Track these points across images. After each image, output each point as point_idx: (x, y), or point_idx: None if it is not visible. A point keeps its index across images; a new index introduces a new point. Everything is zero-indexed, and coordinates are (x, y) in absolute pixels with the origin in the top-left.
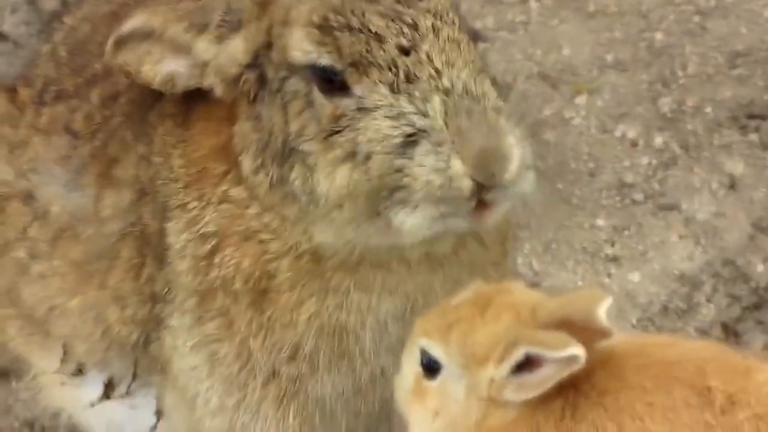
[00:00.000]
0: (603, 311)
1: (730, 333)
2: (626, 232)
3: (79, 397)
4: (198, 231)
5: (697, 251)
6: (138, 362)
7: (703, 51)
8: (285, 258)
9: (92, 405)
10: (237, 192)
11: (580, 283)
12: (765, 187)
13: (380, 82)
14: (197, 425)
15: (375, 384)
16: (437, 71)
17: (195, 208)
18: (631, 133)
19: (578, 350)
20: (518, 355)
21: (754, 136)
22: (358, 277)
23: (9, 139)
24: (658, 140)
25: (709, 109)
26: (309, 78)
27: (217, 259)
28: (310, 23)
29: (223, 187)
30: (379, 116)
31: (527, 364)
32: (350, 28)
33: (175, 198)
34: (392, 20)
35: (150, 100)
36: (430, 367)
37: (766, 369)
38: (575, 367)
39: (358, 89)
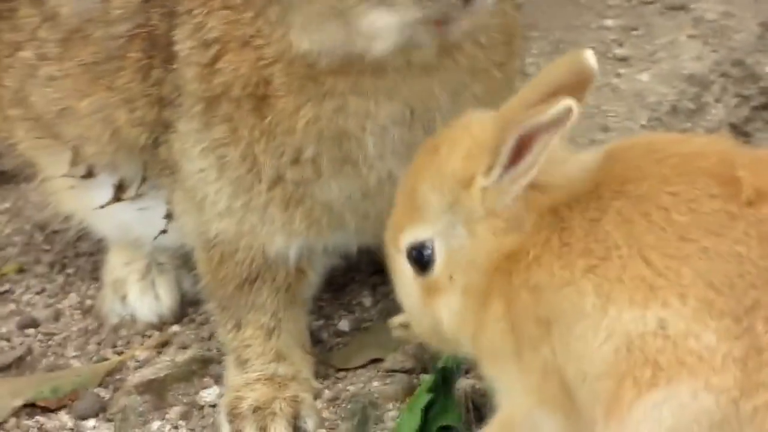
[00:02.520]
0: (590, 56)
1: (739, 133)
2: (635, 33)
3: (89, 199)
4: (202, 37)
5: (706, 51)
6: (147, 165)
7: None
8: (278, 63)
9: (102, 207)
10: None
11: None
12: None
13: None
14: (206, 227)
15: (383, 187)
16: None
17: (200, 14)
18: None
19: (569, 101)
20: (511, 142)
21: None
22: (351, 81)
23: None
24: None
25: None
26: None
27: (219, 66)
28: None
29: None
30: None
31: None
32: None
33: (182, 4)
34: None
35: None
36: (424, 260)
37: None
38: (571, 122)
39: None
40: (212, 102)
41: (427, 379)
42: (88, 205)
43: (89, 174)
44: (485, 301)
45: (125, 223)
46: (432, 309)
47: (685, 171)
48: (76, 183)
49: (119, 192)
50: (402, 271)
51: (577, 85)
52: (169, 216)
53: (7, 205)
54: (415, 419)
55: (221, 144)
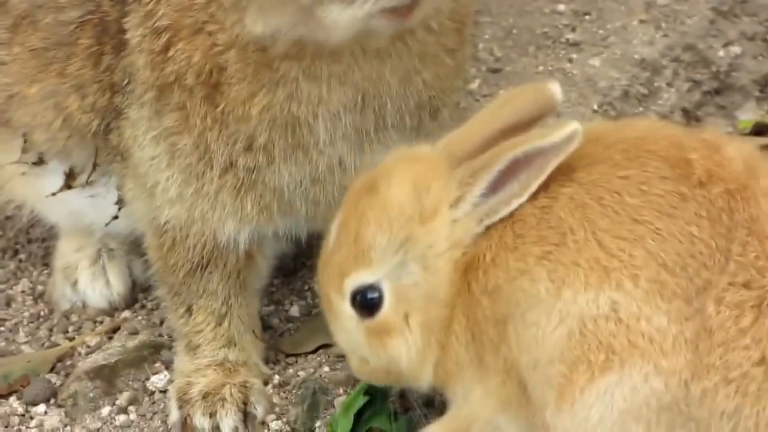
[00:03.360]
0: (557, 91)
1: (691, 118)
2: (587, 17)
3: (40, 186)
4: (153, 25)
5: (658, 36)
6: (98, 151)
7: None
8: (232, 49)
9: (53, 194)
10: None
11: (540, 68)
12: None
13: None
14: (157, 213)
15: (333, 173)
16: None
17: (150, 1)
18: None
19: (576, 124)
20: (497, 170)
21: None
22: (304, 66)
23: None
24: None
25: None
26: None
27: (171, 54)
28: None
29: None
30: None
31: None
32: None
33: None
34: None
35: None
36: (369, 304)
37: (732, 144)
38: (572, 147)
39: None
40: (164, 90)
41: (362, 382)
42: (40, 192)
43: (40, 161)
44: (449, 327)
45: (76, 210)
46: (383, 350)
47: (635, 155)
48: (27, 170)
49: (70, 179)
50: (343, 314)
51: (537, 116)
52: (120, 202)
53: None
54: (348, 422)
55: (173, 132)
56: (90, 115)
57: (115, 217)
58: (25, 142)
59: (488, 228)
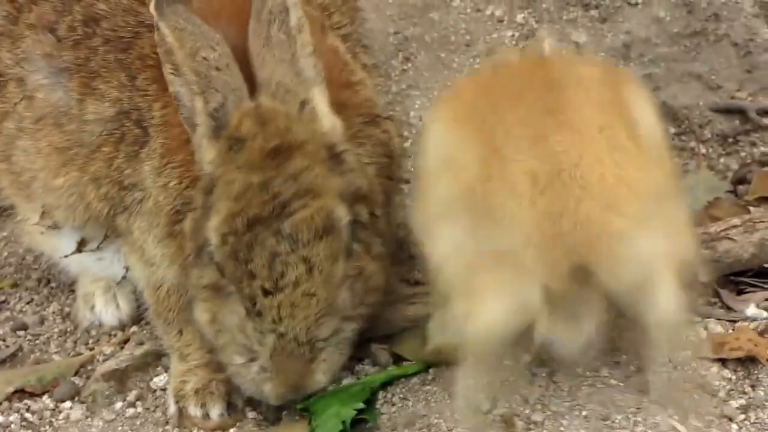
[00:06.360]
0: None
1: None
2: None
3: (55, 246)
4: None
5: None
6: (109, 229)
7: None
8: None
9: (66, 257)
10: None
11: None
12: (603, 52)
13: (241, 306)
14: (154, 279)
15: None
16: (279, 318)
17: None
18: (498, 12)
19: None
20: None
21: (594, 12)
22: None
23: (12, 33)
24: (520, 17)
25: None
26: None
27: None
28: (218, 229)
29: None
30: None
31: None
32: (236, 258)
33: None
34: (269, 265)
35: (129, 36)
36: None
37: None
38: None
39: (230, 289)
40: (171, 235)
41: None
42: (54, 250)
43: (55, 226)
44: None
45: (86, 268)
46: None
47: None
48: (44, 230)
49: (81, 246)
50: None
51: None
52: (126, 268)
53: (4, 233)
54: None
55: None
56: (103, 203)
57: (124, 277)
58: (44, 211)
59: None
